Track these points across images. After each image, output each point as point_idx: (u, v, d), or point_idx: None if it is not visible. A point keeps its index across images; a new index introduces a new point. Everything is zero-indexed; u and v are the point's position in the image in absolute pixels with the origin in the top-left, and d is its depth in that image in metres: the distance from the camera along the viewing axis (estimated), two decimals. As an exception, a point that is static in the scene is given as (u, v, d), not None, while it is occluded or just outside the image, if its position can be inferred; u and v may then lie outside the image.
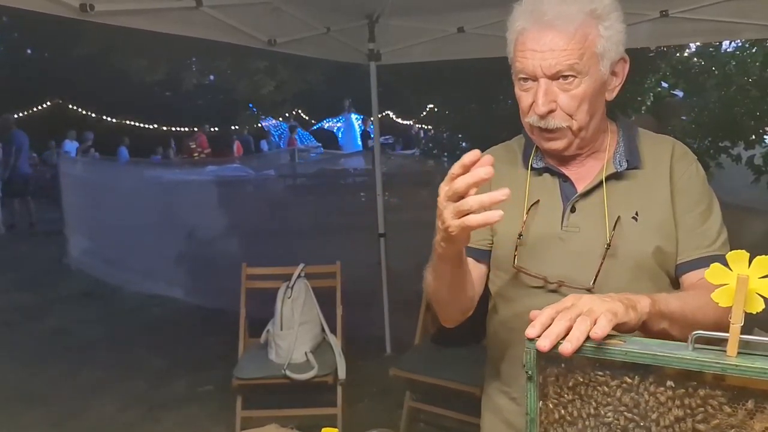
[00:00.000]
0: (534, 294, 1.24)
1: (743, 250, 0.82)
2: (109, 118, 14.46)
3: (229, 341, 3.35)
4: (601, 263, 1.18)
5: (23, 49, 15.14)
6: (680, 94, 8.02)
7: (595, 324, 0.88)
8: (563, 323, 0.89)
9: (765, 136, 7.04)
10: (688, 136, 6.98)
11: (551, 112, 1.16)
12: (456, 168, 0.95)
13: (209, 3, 2.75)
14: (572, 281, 1.21)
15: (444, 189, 0.98)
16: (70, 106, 14.43)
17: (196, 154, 12.71)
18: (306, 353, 3.10)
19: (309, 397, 3.22)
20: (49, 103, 14.36)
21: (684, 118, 7.36)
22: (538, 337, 0.89)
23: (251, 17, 3.07)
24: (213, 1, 2.78)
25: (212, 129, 14.33)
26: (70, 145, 13.17)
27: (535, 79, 1.15)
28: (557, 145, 1.21)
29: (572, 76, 1.13)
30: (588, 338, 0.88)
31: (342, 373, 3.07)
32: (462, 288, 1.21)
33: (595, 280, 1.18)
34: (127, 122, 14.77)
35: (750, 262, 0.81)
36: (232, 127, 14.75)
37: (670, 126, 6.87)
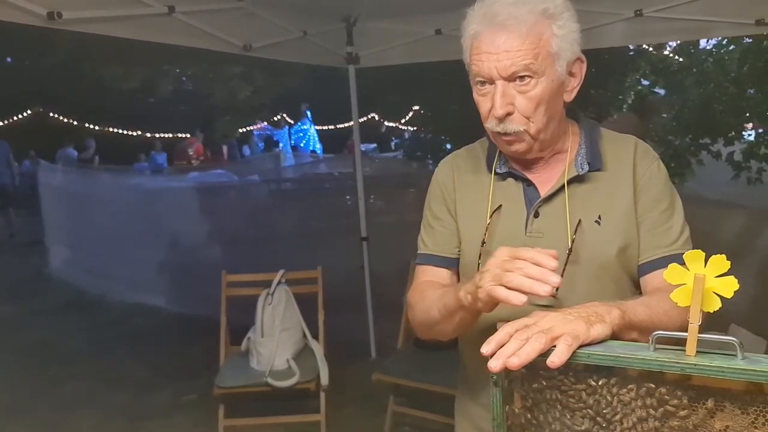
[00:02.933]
0: None
1: (699, 250, 0.82)
2: (90, 126, 14.30)
3: (213, 349, 3.32)
4: (564, 269, 1.17)
5: (2, 58, 14.98)
6: (662, 92, 8.09)
7: (552, 342, 0.88)
8: (518, 343, 0.88)
9: (744, 133, 7.13)
10: (669, 134, 7.05)
11: (509, 115, 1.15)
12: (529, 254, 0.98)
13: (182, 9, 2.73)
14: None
15: (503, 259, 1.00)
16: (51, 114, 14.28)
17: (187, 161, 12.55)
18: (288, 360, 3.08)
19: (292, 404, 3.20)
20: (29, 112, 14.20)
21: (665, 115, 7.42)
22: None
23: (225, 23, 3.05)
24: (186, 7, 2.75)
25: (184, 136, 14.12)
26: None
27: (491, 82, 1.15)
28: (517, 147, 1.20)
29: (528, 76, 1.13)
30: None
31: (325, 379, 3.06)
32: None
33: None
34: (110, 129, 14.62)
35: (706, 261, 0.81)
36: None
37: (652, 124, 6.92)
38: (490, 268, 1.01)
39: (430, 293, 1.25)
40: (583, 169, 1.23)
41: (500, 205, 1.26)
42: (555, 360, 0.85)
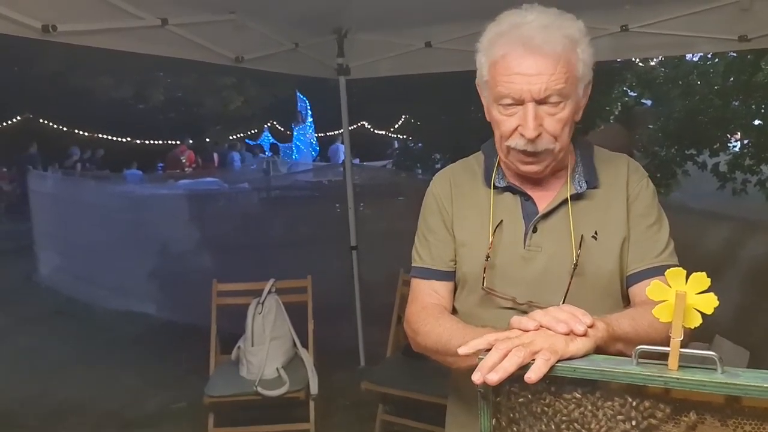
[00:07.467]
0: (505, 314, 1.23)
1: (680, 268, 0.85)
2: (81, 132, 14.22)
3: (202, 358, 3.32)
4: (570, 282, 1.20)
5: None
6: (648, 103, 8.18)
7: (532, 357, 0.90)
8: (498, 355, 0.91)
9: (729, 144, 7.22)
10: (655, 145, 7.13)
11: (539, 135, 1.17)
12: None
13: (174, 21, 2.74)
14: (540, 301, 1.21)
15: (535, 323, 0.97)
16: (41, 121, 14.19)
17: (180, 169, 12.48)
18: (278, 369, 3.09)
19: (282, 413, 3.20)
20: (19, 118, 14.10)
21: (651, 126, 7.50)
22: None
23: (217, 35, 3.06)
24: (178, 20, 2.77)
25: (174, 143, 14.03)
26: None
27: (521, 103, 1.16)
28: (536, 168, 1.22)
29: (558, 100, 1.15)
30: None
31: (314, 388, 3.07)
32: None
33: (564, 299, 1.19)
34: (100, 135, 14.53)
35: (688, 278, 0.84)
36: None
37: (638, 135, 7.00)
38: (536, 339, 0.94)
39: (447, 322, 1.24)
40: (581, 187, 1.27)
41: (501, 221, 1.28)
42: (532, 376, 0.88)
